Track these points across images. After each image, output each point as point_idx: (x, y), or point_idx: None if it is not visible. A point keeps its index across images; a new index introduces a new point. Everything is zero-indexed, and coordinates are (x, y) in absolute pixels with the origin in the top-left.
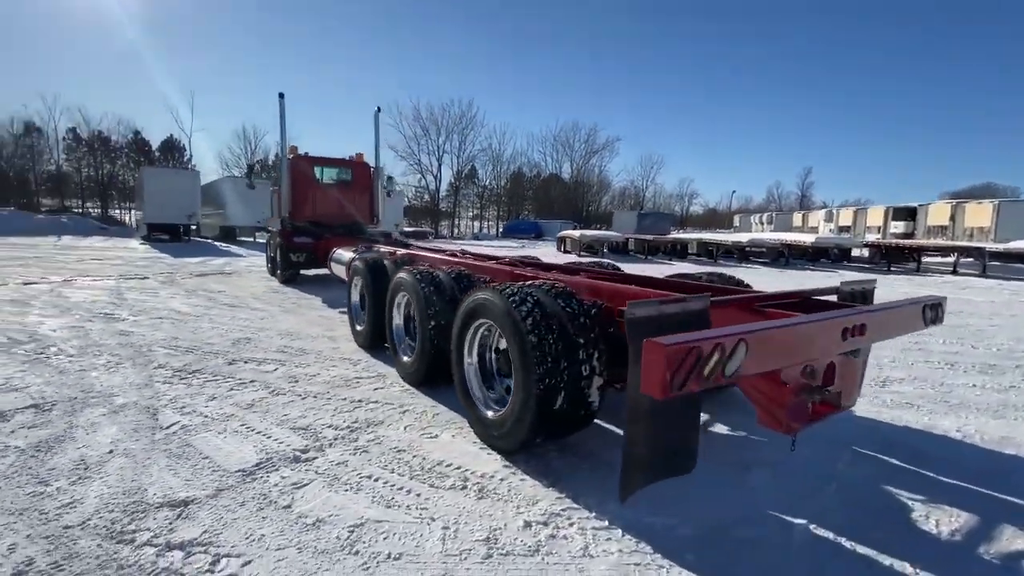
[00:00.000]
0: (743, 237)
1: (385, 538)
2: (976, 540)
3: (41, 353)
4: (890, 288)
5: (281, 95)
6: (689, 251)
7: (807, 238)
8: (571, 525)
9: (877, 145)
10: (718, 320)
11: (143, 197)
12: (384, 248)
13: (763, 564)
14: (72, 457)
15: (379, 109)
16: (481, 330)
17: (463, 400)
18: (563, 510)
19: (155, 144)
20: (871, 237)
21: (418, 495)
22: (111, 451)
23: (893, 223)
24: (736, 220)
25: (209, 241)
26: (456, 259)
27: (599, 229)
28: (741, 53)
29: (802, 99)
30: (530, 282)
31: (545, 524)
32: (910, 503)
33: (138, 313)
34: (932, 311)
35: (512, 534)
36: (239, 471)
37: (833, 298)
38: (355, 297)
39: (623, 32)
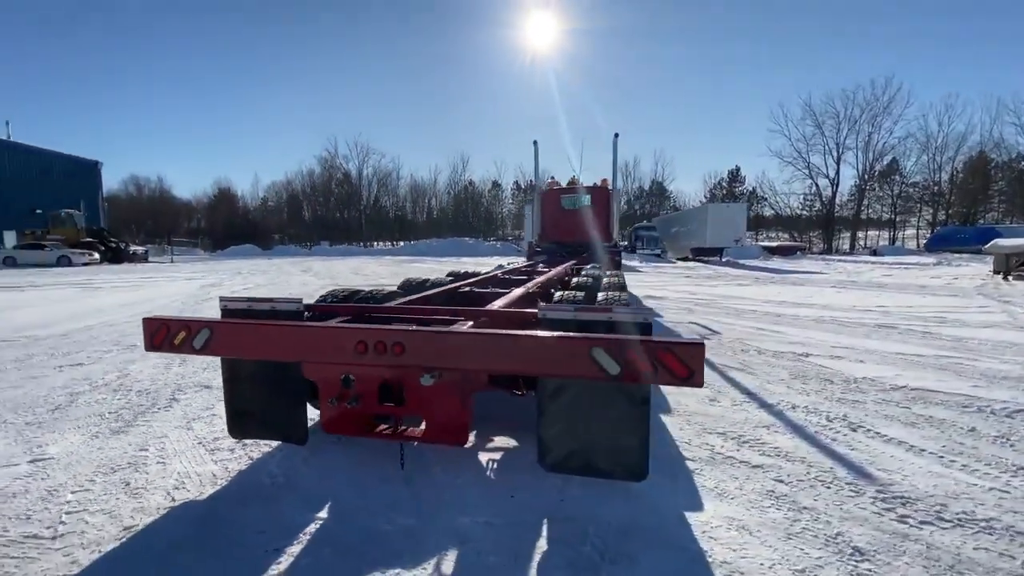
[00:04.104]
0: None
1: (156, 414)
2: None
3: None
4: None
5: (535, 142)
6: None
7: None
8: (241, 456)
9: None
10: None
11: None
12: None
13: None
14: None
15: (617, 135)
16: None
17: None
18: (258, 443)
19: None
20: None
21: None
22: None
23: None
24: None
25: None
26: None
27: None
28: None
29: None
30: None
31: (230, 450)
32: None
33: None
34: (634, 358)
35: (222, 443)
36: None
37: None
38: None
39: None
